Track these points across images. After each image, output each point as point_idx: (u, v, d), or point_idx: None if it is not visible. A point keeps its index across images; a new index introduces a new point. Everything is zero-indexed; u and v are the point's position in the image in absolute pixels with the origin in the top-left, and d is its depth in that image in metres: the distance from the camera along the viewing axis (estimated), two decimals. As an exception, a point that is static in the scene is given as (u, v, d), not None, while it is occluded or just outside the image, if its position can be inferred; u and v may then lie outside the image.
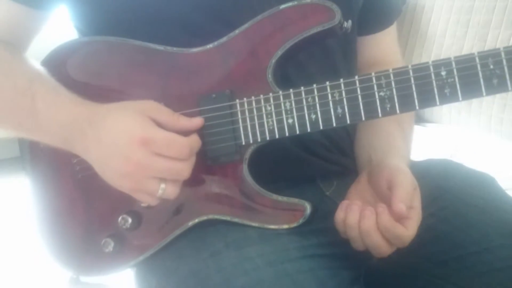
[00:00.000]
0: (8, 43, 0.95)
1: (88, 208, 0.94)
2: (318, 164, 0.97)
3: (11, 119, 0.92)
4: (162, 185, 0.80)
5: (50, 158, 0.96)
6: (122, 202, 0.89)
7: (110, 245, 0.91)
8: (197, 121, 0.85)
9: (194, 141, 0.83)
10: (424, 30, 2.04)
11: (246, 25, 0.87)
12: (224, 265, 0.80)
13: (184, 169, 0.81)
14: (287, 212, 0.86)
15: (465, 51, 1.91)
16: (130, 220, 0.89)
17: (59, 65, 0.94)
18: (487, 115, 1.81)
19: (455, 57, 0.76)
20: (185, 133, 0.83)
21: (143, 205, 0.89)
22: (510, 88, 0.74)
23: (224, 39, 0.88)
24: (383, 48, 1.13)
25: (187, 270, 0.84)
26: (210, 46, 0.89)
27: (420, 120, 2.05)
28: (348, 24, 0.86)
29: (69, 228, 0.96)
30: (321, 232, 0.88)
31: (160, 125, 0.82)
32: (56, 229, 0.97)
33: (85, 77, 0.94)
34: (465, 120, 1.90)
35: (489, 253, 0.87)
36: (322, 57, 0.98)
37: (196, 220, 0.88)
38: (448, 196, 0.95)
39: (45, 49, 0.96)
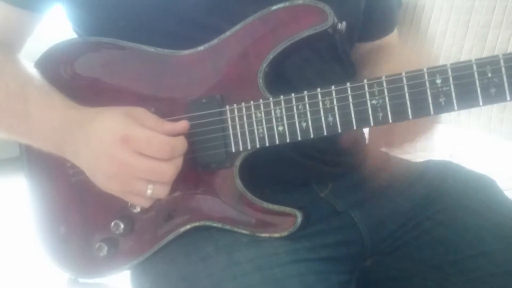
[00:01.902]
0: (1, 44, 0.91)
1: (82, 212, 0.91)
2: (313, 167, 0.92)
3: (2, 122, 0.89)
4: (150, 185, 0.77)
5: (45, 160, 0.92)
6: (115, 207, 0.86)
7: (104, 249, 0.87)
8: (181, 125, 0.81)
9: (177, 140, 0.78)
10: (424, 30, 2.00)
11: (237, 27, 0.82)
12: (214, 270, 0.77)
13: (168, 170, 0.76)
14: (278, 220, 0.81)
15: (465, 51, 1.86)
16: (122, 225, 0.86)
17: (52, 66, 0.91)
18: (487, 115, 1.77)
19: (451, 64, 0.69)
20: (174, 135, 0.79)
21: (135, 210, 0.86)
22: (508, 98, 0.67)
23: (215, 41, 0.83)
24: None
25: (177, 274, 0.81)
26: (201, 48, 0.84)
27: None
28: (342, 26, 0.80)
29: (65, 231, 0.93)
30: (314, 235, 0.85)
31: None
32: (53, 232, 0.94)
33: (77, 78, 0.91)
34: (465, 120, 1.85)
35: (484, 257, 0.84)
36: (318, 59, 0.93)
37: (188, 226, 0.85)
38: (445, 199, 0.91)
39: (40, 50, 0.93)
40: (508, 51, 1.75)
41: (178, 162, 0.78)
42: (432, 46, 1.96)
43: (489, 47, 1.80)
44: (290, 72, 0.87)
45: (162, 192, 0.78)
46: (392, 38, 1.10)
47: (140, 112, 0.80)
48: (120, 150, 0.75)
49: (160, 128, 0.78)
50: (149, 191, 0.77)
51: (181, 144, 0.78)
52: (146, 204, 0.80)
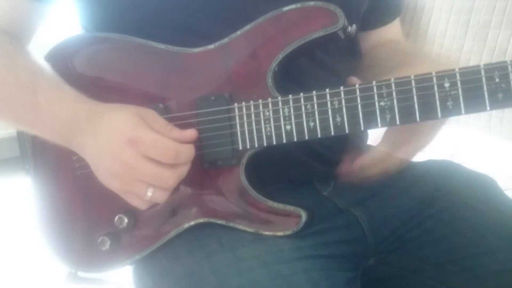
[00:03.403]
0: (12, 36, 0.92)
1: (87, 205, 0.92)
2: (315, 166, 0.93)
3: (11, 112, 0.90)
4: (151, 189, 0.78)
5: (51, 154, 0.93)
6: (119, 201, 0.85)
7: (107, 243, 0.88)
8: (190, 133, 0.81)
9: (183, 147, 0.79)
10: (424, 30, 2.00)
11: (248, 26, 0.83)
12: (219, 266, 0.77)
13: (170, 177, 0.78)
14: (282, 219, 0.82)
15: (465, 51, 1.87)
16: (126, 220, 0.87)
17: (61, 61, 0.91)
18: (487, 115, 1.78)
19: (459, 69, 0.71)
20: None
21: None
22: (515, 103, 0.68)
23: (226, 40, 0.84)
24: (385, 38, 1.09)
25: (181, 271, 0.81)
26: (211, 46, 0.85)
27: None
28: (352, 28, 0.81)
29: (68, 224, 0.93)
30: (318, 233, 0.86)
31: None
32: (56, 225, 0.95)
33: (86, 73, 0.92)
34: (465, 120, 1.86)
35: (486, 256, 0.85)
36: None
37: (192, 223, 0.86)
38: (447, 198, 0.92)
39: (48, 45, 0.94)
40: (508, 51, 1.77)
41: (183, 170, 0.79)
42: (432, 46, 1.97)
43: (489, 47, 1.80)
44: (294, 68, 0.88)
45: (161, 197, 0.79)
46: (397, 32, 1.10)
47: (151, 114, 0.81)
48: (125, 151, 0.77)
49: (168, 133, 0.79)
50: (149, 194, 0.78)
51: (187, 151, 0.79)
52: (143, 206, 0.81)
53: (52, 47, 0.93)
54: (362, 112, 0.76)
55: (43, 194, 0.95)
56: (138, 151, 0.76)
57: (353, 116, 0.76)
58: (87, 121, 0.81)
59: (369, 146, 1.06)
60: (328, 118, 0.77)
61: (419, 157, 1.03)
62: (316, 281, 0.76)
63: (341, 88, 0.77)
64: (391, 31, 1.09)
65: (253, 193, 0.83)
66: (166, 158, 0.76)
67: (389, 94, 0.74)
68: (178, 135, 0.80)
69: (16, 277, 1.97)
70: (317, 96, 0.78)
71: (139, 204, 0.81)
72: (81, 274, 0.98)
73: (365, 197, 0.94)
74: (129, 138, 0.76)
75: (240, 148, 0.82)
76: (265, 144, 0.81)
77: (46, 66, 0.89)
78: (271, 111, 0.80)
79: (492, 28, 1.82)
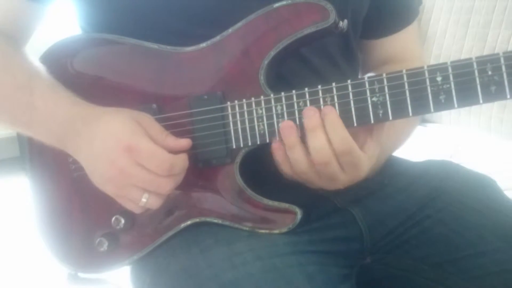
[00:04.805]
0: (9, 37, 0.92)
1: (84, 207, 0.91)
2: None
3: (8, 113, 0.89)
4: (146, 194, 0.78)
5: (48, 156, 0.92)
6: (116, 203, 0.85)
7: (104, 244, 0.88)
8: (184, 143, 0.81)
9: (178, 159, 0.78)
10: (424, 30, 2.00)
11: (239, 24, 0.82)
12: (214, 260, 0.77)
13: (165, 185, 0.78)
14: (277, 216, 0.81)
15: (465, 51, 1.86)
16: (123, 220, 0.86)
17: (56, 61, 0.91)
18: (487, 115, 1.77)
19: (451, 62, 0.70)
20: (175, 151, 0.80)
21: None
22: (508, 96, 0.67)
23: (218, 38, 0.84)
24: (398, 47, 1.06)
25: (177, 267, 0.81)
26: (203, 45, 0.84)
27: (420, 120, 2.00)
28: (343, 23, 0.81)
29: (66, 226, 0.93)
30: (314, 230, 0.85)
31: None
32: (54, 226, 0.94)
33: (80, 73, 0.91)
34: (465, 120, 1.86)
35: (484, 256, 0.83)
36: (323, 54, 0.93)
37: (189, 222, 0.85)
38: (445, 198, 0.91)
39: (44, 46, 0.93)
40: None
41: (177, 178, 0.79)
42: (432, 46, 1.96)
43: (489, 47, 1.80)
44: (288, 72, 0.88)
45: (156, 203, 0.79)
46: (412, 46, 1.07)
47: (147, 119, 0.81)
48: (121, 157, 0.76)
49: (163, 141, 0.79)
50: (143, 200, 0.78)
51: (181, 163, 0.79)
52: (138, 211, 0.81)
53: (47, 49, 0.92)
54: (355, 108, 0.74)
55: (40, 195, 0.95)
56: (134, 158, 0.76)
57: (345, 112, 0.75)
58: (83, 124, 0.81)
59: None
60: None
61: (419, 157, 1.02)
62: (310, 274, 0.75)
63: (333, 84, 0.76)
64: (403, 38, 1.05)
65: (248, 191, 0.82)
66: (160, 170, 0.76)
67: (381, 90, 0.73)
68: (172, 143, 0.80)
69: (17, 278, 1.97)
70: (310, 93, 0.77)
71: (134, 208, 0.81)
72: (81, 274, 0.97)
73: (363, 196, 0.92)
74: (125, 145, 0.76)
75: (234, 146, 0.82)
76: (258, 142, 0.80)
77: (42, 68, 0.89)
78: (264, 109, 0.79)
79: (492, 28, 1.81)
